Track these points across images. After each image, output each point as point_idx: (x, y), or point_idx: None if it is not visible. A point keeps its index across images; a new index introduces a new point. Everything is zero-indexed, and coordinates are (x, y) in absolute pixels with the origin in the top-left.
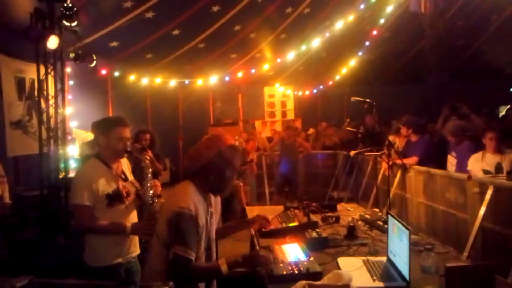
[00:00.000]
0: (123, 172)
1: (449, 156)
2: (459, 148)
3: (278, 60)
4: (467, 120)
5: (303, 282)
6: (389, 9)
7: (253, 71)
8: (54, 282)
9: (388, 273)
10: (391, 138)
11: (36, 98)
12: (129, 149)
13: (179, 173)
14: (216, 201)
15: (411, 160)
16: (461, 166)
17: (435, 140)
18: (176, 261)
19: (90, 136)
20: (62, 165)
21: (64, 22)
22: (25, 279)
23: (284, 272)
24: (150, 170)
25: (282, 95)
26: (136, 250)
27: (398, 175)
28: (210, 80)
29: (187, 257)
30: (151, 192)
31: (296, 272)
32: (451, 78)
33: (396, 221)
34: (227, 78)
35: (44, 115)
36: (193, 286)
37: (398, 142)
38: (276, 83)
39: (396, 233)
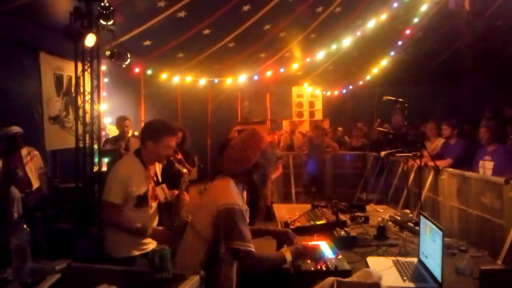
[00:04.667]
0: (156, 175)
1: (481, 162)
2: (494, 150)
3: (308, 60)
4: (511, 123)
5: (331, 278)
6: (424, 7)
7: (282, 70)
8: (90, 267)
9: (419, 274)
10: (437, 142)
11: (73, 94)
12: (171, 157)
13: (207, 171)
14: (244, 197)
15: (445, 163)
16: (500, 170)
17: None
18: (239, 255)
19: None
20: (96, 159)
21: (101, 21)
22: (63, 262)
23: (312, 269)
24: (187, 181)
25: (310, 95)
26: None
27: (430, 178)
28: (239, 79)
29: (248, 249)
30: (180, 203)
31: (324, 269)
32: (488, 80)
33: (428, 222)
34: (256, 77)
35: (80, 110)
36: (259, 273)
37: (437, 143)
38: (304, 82)
39: (428, 234)
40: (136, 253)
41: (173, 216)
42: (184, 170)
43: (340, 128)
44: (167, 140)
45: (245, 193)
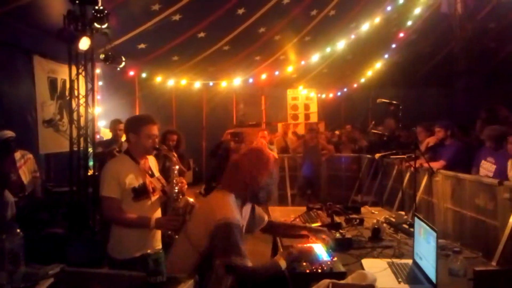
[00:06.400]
0: (150, 169)
1: (483, 161)
2: (499, 154)
3: (302, 63)
4: (507, 125)
5: (326, 280)
6: (417, 11)
7: (276, 73)
8: (84, 271)
9: (414, 275)
10: (428, 139)
11: (67, 98)
12: (157, 146)
13: (202, 174)
14: (246, 212)
15: (438, 164)
16: (502, 173)
17: (474, 145)
18: (236, 270)
19: None
20: (90, 163)
21: (95, 24)
22: (57, 267)
23: (307, 271)
24: (177, 167)
25: (305, 98)
26: (158, 245)
27: (424, 180)
28: (234, 82)
29: (245, 265)
30: (176, 188)
31: (320, 271)
32: (482, 82)
33: (423, 223)
34: (250, 80)
35: (75, 114)
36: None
37: (428, 141)
38: (299, 85)
39: (422, 235)
40: (142, 252)
41: (169, 202)
42: (174, 154)
43: (337, 132)
44: (146, 129)
45: (245, 208)
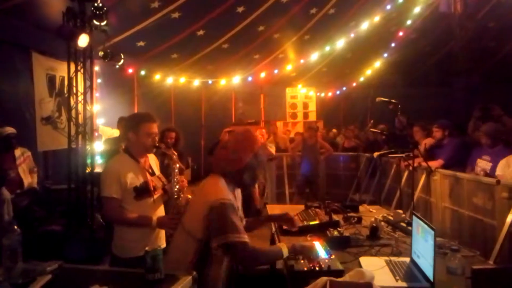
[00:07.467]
0: (150, 167)
1: (478, 160)
2: (495, 151)
3: (302, 61)
4: (500, 123)
5: (324, 278)
6: (417, 9)
7: (276, 71)
8: (82, 268)
9: (411, 273)
10: (425, 141)
11: (66, 95)
12: (157, 144)
13: (200, 172)
14: (238, 196)
15: (436, 163)
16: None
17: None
18: (235, 247)
19: (116, 133)
20: (89, 161)
21: (94, 21)
22: (55, 263)
23: (305, 269)
24: (177, 165)
25: (304, 96)
26: (162, 243)
27: (422, 179)
28: (233, 80)
29: (243, 241)
30: (177, 186)
31: (317, 269)
32: (481, 81)
33: (421, 222)
34: (249, 79)
35: (73, 111)
36: (255, 266)
37: (426, 142)
38: (298, 84)
39: (420, 233)
40: (142, 253)
41: (171, 201)
42: (174, 152)
43: (334, 130)
44: (145, 127)
45: (238, 192)
